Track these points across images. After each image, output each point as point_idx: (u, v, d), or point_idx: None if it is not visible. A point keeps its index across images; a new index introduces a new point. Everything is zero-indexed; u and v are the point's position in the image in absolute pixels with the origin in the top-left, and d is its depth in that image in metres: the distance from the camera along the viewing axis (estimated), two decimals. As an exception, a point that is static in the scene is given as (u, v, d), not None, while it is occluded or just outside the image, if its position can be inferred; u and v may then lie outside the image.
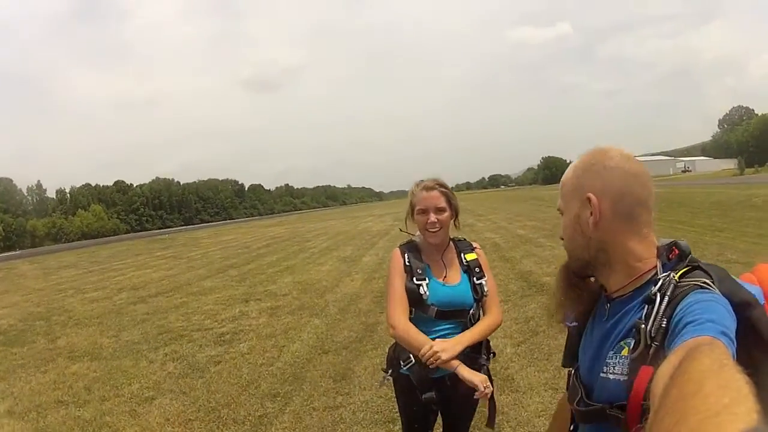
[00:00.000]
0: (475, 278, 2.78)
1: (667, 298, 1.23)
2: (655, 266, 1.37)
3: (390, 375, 2.79)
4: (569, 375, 1.60)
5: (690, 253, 1.38)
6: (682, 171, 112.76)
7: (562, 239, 1.52)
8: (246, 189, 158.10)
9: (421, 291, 2.64)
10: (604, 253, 1.40)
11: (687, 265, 1.33)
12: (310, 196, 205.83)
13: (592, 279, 1.53)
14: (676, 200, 26.41)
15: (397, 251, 2.80)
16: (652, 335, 1.21)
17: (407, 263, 2.72)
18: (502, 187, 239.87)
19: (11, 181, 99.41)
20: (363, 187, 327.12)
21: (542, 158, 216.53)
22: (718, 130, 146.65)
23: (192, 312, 10.74)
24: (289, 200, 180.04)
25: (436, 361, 2.47)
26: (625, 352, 1.31)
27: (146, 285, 15.58)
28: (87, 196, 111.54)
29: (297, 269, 15.61)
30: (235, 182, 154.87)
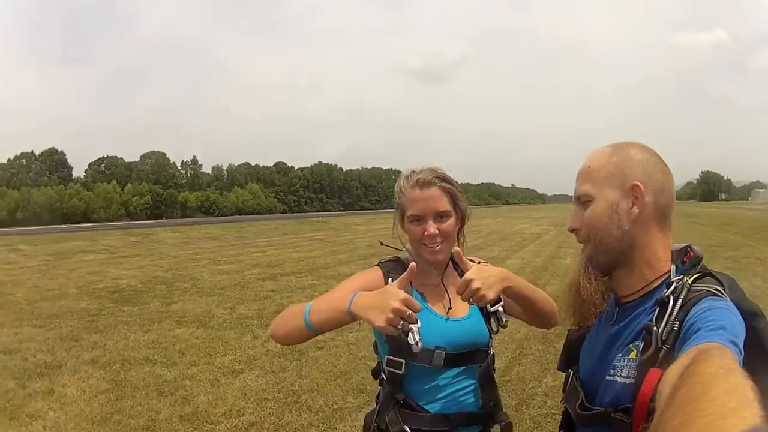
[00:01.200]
0: (495, 307, 2.02)
1: (680, 302, 1.29)
2: (669, 270, 1.42)
3: None
4: (567, 376, 1.64)
5: (702, 259, 1.43)
6: None
7: (575, 230, 1.52)
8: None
9: (411, 339, 1.74)
10: (631, 250, 1.43)
11: (699, 271, 1.38)
12: (474, 193, 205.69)
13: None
14: None
15: (377, 270, 2.11)
16: (664, 338, 1.26)
17: None
18: None
19: (164, 154, 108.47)
20: (527, 188, 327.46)
21: (701, 173, 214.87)
22: None
23: (318, 294, 10.82)
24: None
25: (477, 299, 1.80)
26: (633, 355, 1.36)
27: (282, 263, 16.33)
28: (245, 174, 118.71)
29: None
30: (399, 172, 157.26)
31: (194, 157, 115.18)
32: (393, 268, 2.09)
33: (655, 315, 1.30)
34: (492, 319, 2.06)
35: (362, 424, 2.16)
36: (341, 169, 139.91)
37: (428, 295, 2.08)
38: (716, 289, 1.29)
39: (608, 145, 1.50)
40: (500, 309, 2.02)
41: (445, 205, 2.01)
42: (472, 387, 2.06)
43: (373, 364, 2.11)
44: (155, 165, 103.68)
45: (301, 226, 39.97)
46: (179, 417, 4.98)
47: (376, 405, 2.11)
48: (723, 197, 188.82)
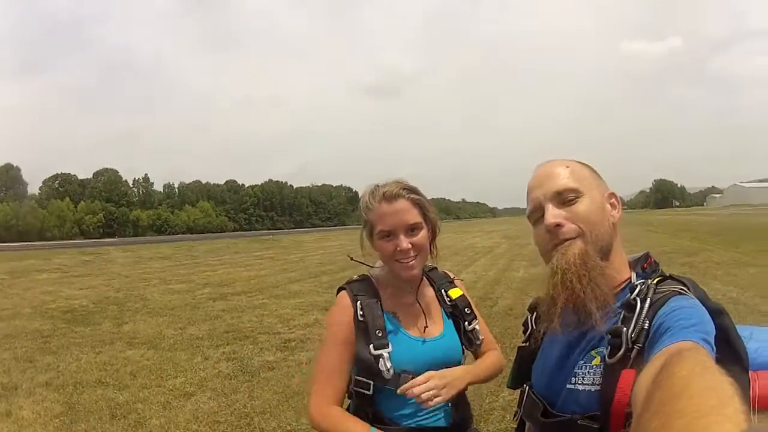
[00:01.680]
0: (465, 323, 2.14)
1: (648, 301, 1.30)
2: (629, 277, 1.47)
3: None
4: (522, 393, 1.64)
5: (659, 265, 1.51)
6: None
7: (560, 226, 1.44)
8: (360, 196, 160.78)
9: (381, 366, 1.88)
10: (609, 252, 1.45)
11: (660, 275, 1.43)
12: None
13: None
14: None
15: (343, 296, 2.04)
16: (633, 338, 1.25)
17: (360, 317, 1.96)
18: None
19: (117, 172, 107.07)
20: (477, 203, 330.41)
21: (654, 181, 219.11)
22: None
23: (267, 314, 11.10)
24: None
25: (433, 400, 1.84)
26: (596, 361, 1.35)
27: (233, 282, 16.29)
28: (196, 192, 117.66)
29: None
30: (349, 189, 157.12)
31: (146, 175, 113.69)
32: (361, 289, 2.02)
33: (621, 318, 1.31)
34: (467, 337, 2.11)
35: None
36: (292, 186, 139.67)
37: (402, 316, 2.03)
38: (681, 289, 1.33)
39: (563, 159, 1.55)
40: (476, 327, 2.13)
41: (415, 217, 1.95)
42: (445, 405, 2.01)
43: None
44: (107, 183, 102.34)
45: (251, 244, 39.78)
46: (133, 442, 4.96)
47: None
48: (677, 204, 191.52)
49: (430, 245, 2.05)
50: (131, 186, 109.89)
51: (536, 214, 1.52)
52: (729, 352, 1.24)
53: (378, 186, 2.01)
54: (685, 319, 1.17)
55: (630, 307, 1.31)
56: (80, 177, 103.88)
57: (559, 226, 1.43)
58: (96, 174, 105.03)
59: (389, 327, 1.97)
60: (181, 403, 5.92)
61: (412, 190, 1.99)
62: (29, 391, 6.30)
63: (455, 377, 1.93)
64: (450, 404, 2.02)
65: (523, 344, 1.73)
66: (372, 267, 2.13)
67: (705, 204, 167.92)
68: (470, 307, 2.16)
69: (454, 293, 2.17)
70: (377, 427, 1.89)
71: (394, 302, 2.04)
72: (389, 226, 1.92)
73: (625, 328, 1.27)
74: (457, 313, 2.12)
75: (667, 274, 1.43)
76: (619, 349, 1.26)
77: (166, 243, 43.20)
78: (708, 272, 14.34)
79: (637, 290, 1.36)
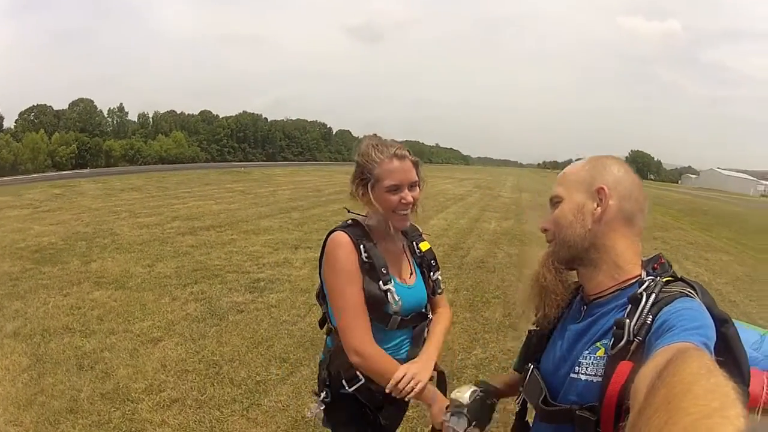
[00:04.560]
0: (432, 272, 2.35)
1: (653, 296, 1.28)
2: (640, 273, 1.43)
3: (325, 400, 2.23)
4: (527, 372, 1.61)
5: (671, 267, 1.47)
6: (761, 195, 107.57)
7: (546, 230, 1.55)
8: (333, 133, 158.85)
9: (390, 299, 2.08)
10: (595, 249, 1.45)
11: (670, 275, 1.41)
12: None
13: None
14: (753, 224, 26.63)
15: (345, 237, 2.11)
16: (635, 332, 1.25)
17: (365, 258, 2.07)
18: None
19: (92, 101, 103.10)
20: (451, 149, 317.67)
21: (631, 151, 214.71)
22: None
23: (236, 251, 10.77)
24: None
25: (413, 390, 1.97)
26: (600, 353, 1.34)
27: (202, 216, 15.81)
28: (170, 122, 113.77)
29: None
30: (324, 125, 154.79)
31: (121, 104, 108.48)
32: (359, 234, 2.13)
33: (627, 311, 1.30)
34: (432, 286, 2.33)
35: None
36: (266, 119, 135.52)
37: (389, 261, 2.15)
38: (689, 291, 1.31)
39: (589, 157, 1.58)
40: (439, 277, 2.35)
41: (415, 176, 2.13)
42: (407, 341, 2.24)
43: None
44: (82, 113, 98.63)
45: (222, 176, 38.81)
46: (100, 395, 4.64)
47: (326, 353, 2.25)
48: (652, 177, 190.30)
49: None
50: (106, 116, 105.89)
51: None
52: (730, 362, 1.23)
53: (382, 143, 2.13)
54: (688, 321, 1.15)
55: (636, 300, 1.30)
56: (56, 108, 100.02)
57: (545, 230, 1.55)
58: (71, 104, 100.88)
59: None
60: (148, 350, 5.60)
61: (411, 152, 2.15)
62: (-1, 342, 5.94)
63: (424, 367, 2.08)
64: (411, 342, 2.25)
65: (534, 327, 1.70)
66: (356, 214, 2.24)
67: (680, 182, 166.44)
68: (435, 260, 2.37)
69: (424, 246, 2.36)
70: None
71: (384, 249, 2.16)
72: (398, 180, 2.07)
73: (628, 320, 1.27)
74: (425, 264, 2.33)
75: (679, 276, 1.41)
76: (621, 341, 1.26)
77: (137, 173, 42.17)
78: (680, 251, 14.35)
79: (645, 285, 1.33)
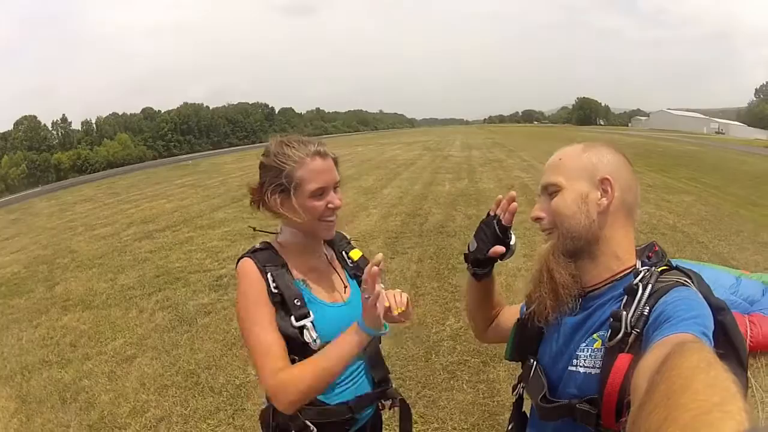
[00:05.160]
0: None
1: (650, 287, 1.28)
2: (635, 263, 1.43)
3: None
4: (529, 368, 1.56)
5: (666, 256, 1.46)
6: (716, 132, 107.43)
7: (539, 219, 1.50)
8: (276, 112, 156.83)
9: (307, 337, 1.74)
10: (596, 241, 1.43)
11: (665, 265, 1.40)
12: (342, 121, 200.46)
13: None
14: (710, 162, 26.86)
15: (250, 266, 1.81)
16: (632, 323, 1.24)
17: (273, 288, 1.76)
18: (536, 123, 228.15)
19: (35, 117, 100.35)
20: (395, 113, 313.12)
21: (578, 98, 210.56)
22: (754, 99, 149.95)
23: (195, 249, 10.78)
24: (320, 124, 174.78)
25: (403, 299, 1.68)
26: (598, 345, 1.34)
27: (157, 218, 15.64)
28: (113, 125, 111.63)
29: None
30: (266, 106, 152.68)
31: (63, 115, 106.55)
32: (267, 259, 1.82)
33: (624, 302, 1.30)
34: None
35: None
36: (208, 107, 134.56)
37: (312, 282, 1.88)
38: (685, 280, 1.31)
39: (580, 143, 1.53)
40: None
41: (338, 175, 1.86)
42: (362, 368, 1.95)
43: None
44: (27, 130, 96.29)
45: (171, 171, 38.19)
46: (88, 427, 4.69)
47: (268, 401, 1.85)
48: (601, 123, 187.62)
49: None
50: (51, 129, 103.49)
51: None
52: (728, 348, 1.22)
53: (295, 138, 1.85)
54: (685, 311, 1.15)
55: (632, 291, 1.30)
56: (1, 130, 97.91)
57: (539, 219, 1.49)
58: (16, 123, 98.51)
59: (304, 296, 1.80)
60: (125, 370, 5.66)
61: (326, 146, 1.87)
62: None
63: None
64: (367, 368, 1.96)
65: (524, 318, 1.64)
66: (276, 233, 1.98)
67: (630, 125, 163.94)
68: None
69: (355, 254, 2.08)
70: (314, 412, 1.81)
71: (302, 268, 1.88)
72: (323, 182, 1.78)
73: (624, 312, 1.27)
74: (360, 274, 1.93)
75: (674, 265, 1.41)
76: (618, 333, 1.26)
77: (87, 183, 41.13)
78: (642, 195, 14.18)
79: (640, 276, 1.34)
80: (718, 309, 1.25)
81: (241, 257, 1.85)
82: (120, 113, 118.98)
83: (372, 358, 1.97)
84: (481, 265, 1.71)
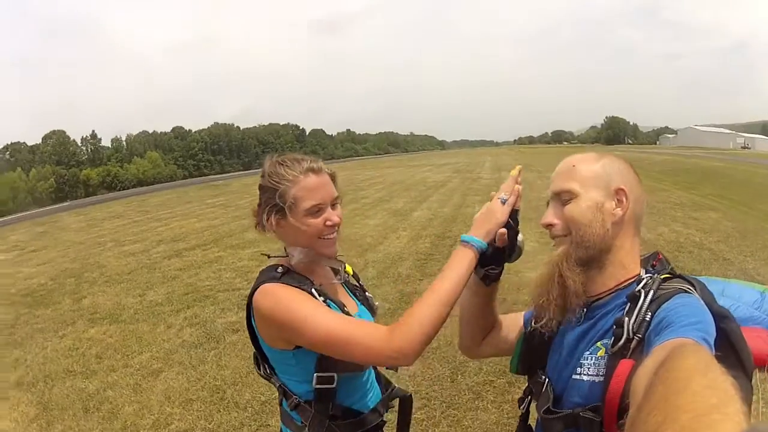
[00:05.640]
0: (366, 292, 2.04)
1: (651, 293, 1.29)
2: (639, 272, 1.43)
3: None
4: (540, 383, 1.55)
5: (670, 264, 1.47)
6: (742, 147, 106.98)
7: (551, 226, 1.48)
8: (307, 134, 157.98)
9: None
10: (606, 251, 1.42)
11: (668, 272, 1.41)
12: (372, 143, 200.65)
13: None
14: (736, 178, 26.60)
15: (281, 286, 1.69)
16: (635, 329, 1.25)
17: (321, 301, 1.71)
18: (565, 143, 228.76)
19: (64, 132, 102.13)
20: (426, 135, 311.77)
21: (606, 117, 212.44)
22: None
23: (225, 268, 10.75)
24: (351, 146, 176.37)
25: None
26: (601, 353, 1.34)
27: (186, 236, 15.73)
28: (144, 143, 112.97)
29: (344, 221, 15.24)
30: (296, 127, 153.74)
31: (93, 131, 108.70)
32: (297, 280, 1.72)
33: (626, 309, 1.30)
34: (369, 305, 2.00)
35: None
36: (239, 128, 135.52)
37: (332, 296, 1.80)
38: (688, 288, 1.31)
39: (591, 152, 1.53)
40: (370, 295, 2.05)
41: (336, 190, 1.82)
42: (373, 372, 1.96)
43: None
44: (56, 145, 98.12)
45: (202, 191, 38.64)
46: (110, 437, 4.67)
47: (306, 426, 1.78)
48: (629, 142, 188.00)
49: None
50: (80, 145, 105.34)
51: None
52: (733, 357, 1.23)
53: (288, 157, 1.80)
54: (686, 317, 1.15)
55: (635, 298, 1.31)
56: (30, 143, 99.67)
57: (551, 225, 1.48)
58: (45, 138, 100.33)
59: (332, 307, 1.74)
60: (150, 384, 5.62)
61: (325, 164, 1.83)
62: (2, 395, 5.84)
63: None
64: (375, 371, 1.98)
65: (531, 329, 1.63)
66: (280, 258, 1.85)
67: (658, 143, 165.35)
68: (358, 278, 2.07)
69: (348, 269, 2.03)
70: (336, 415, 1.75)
71: (320, 284, 1.81)
72: (320, 199, 1.73)
73: (627, 318, 1.27)
74: (356, 291, 2.02)
75: (677, 273, 1.42)
76: (620, 339, 1.26)
77: (117, 200, 41.68)
78: (667, 213, 14.09)
79: (643, 283, 1.35)
80: (721, 317, 1.26)
81: (263, 283, 1.70)
82: (150, 131, 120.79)
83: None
84: (488, 262, 1.62)
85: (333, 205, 1.79)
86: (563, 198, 1.46)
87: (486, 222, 1.58)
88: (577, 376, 1.38)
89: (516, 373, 1.72)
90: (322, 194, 1.75)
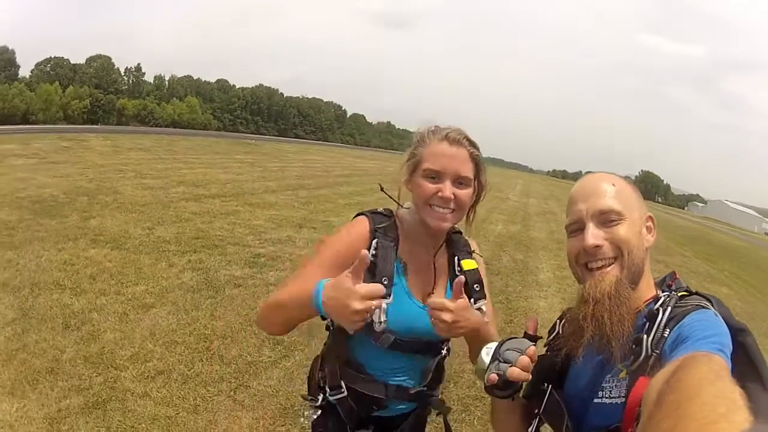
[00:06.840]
0: (472, 299, 1.78)
1: (669, 310, 1.28)
2: (656, 293, 1.42)
3: (322, 404, 1.86)
4: (543, 394, 1.51)
5: (685, 284, 1.46)
6: (766, 233, 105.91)
7: (598, 248, 1.39)
8: (348, 116, 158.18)
9: (375, 316, 1.64)
10: (640, 276, 1.42)
11: (685, 290, 1.39)
12: (410, 140, 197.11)
13: None
14: (755, 261, 27.21)
15: (363, 222, 1.79)
16: (653, 346, 1.24)
17: (372, 253, 1.70)
18: None
19: (110, 59, 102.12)
20: None
21: (641, 170, 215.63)
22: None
23: (240, 223, 10.64)
24: (388, 137, 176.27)
25: (451, 327, 1.59)
26: (623, 374, 1.32)
27: (208, 184, 15.69)
28: (186, 86, 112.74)
29: (366, 206, 15.13)
30: (339, 107, 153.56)
31: (138, 64, 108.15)
32: (383, 225, 1.79)
33: (645, 327, 1.28)
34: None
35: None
36: (282, 94, 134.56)
37: (411, 271, 1.81)
38: (705, 303, 1.29)
39: (612, 174, 1.50)
40: (482, 308, 1.81)
41: (468, 171, 1.75)
42: (418, 368, 1.89)
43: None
44: (99, 69, 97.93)
45: (233, 146, 38.60)
46: (84, 358, 4.50)
47: (325, 347, 1.95)
48: (659, 200, 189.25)
49: (470, 209, 1.85)
50: (122, 74, 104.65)
51: (574, 226, 1.46)
52: (751, 370, 1.20)
53: (438, 127, 1.79)
54: (702, 330, 1.15)
55: (653, 316, 1.29)
56: (73, 62, 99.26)
57: (598, 247, 1.39)
58: (89, 60, 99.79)
59: (395, 278, 1.74)
60: (138, 316, 5.47)
61: (474, 145, 1.78)
62: (-16, 289, 5.79)
63: (474, 316, 1.67)
64: (422, 370, 1.89)
65: (544, 354, 1.57)
66: (400, 204, 1.89)
67: (686, 209, 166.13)
68: (480, 284, 1.85)
69: (467, 264, 1.87)
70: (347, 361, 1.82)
71: (409, 253, 1.81)
72: (440, 167, 1.71)
73: (645, 336, 1.26)
74: (464, 287, 1.73)
75: (693, 291, 1.39)
76: (640, 357, 1.25)
77: (148, 135, 41.87)
78: (682, 277, 13.82)
79: (660, 301, 1.33)
80: (739, 330, 1.24)
81: (360, 213, 1.85)
82: (195, 78, 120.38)
83: (426, 371, 1.90)
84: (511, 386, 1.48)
85: (458, 182, 1.73)
86: (609, 218, 1.41)
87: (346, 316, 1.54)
88: (599, 400, 1.37)
89: (527, 397, 1.57)
90: (445, 163, 1.71)
